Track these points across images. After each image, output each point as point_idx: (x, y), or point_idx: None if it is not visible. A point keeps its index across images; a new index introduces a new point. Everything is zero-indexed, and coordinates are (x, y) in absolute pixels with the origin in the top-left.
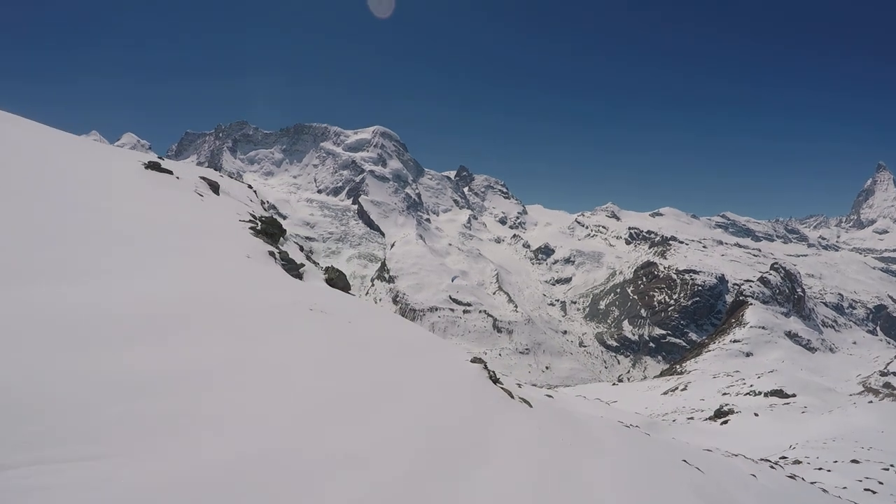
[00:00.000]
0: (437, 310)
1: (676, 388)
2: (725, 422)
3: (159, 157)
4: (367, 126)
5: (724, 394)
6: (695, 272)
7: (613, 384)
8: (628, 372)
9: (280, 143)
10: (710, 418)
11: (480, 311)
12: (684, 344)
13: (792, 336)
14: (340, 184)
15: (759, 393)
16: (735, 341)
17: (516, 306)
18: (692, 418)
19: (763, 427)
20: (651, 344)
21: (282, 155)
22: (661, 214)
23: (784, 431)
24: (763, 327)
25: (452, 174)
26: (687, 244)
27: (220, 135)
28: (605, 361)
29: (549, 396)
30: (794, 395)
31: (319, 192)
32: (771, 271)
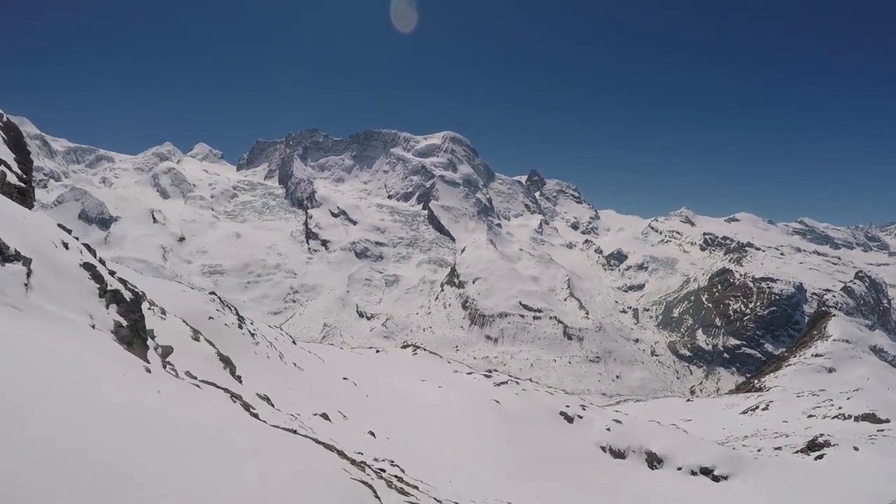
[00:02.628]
0: (506, 315)
1: (757, 408)
2: (820, 456)
3: None
4: (437, 132)
5: (810, 416)
6: (772, 280)
7: (687, 400)
8: (701, 383)
9: (350, 150)
10: (801, 451)
11: (551, 318)
12: (760, 355)
13: (877, 351)
14: (411, 189)
15: (849, 417)
16: (817, 355)
17: (587, 313)
18: (780, 448)
19: (867, 465)
20: (725, 354)
21: (352, 161)
22: (736, 220)
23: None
24: (847, 341)
25: (524, 179)
26: (763, 251)
27: (291, 143)
28: (677, 372)
29: (618, 422)
30: (887, 421)
31: (390, 197)
32: (855, 280)
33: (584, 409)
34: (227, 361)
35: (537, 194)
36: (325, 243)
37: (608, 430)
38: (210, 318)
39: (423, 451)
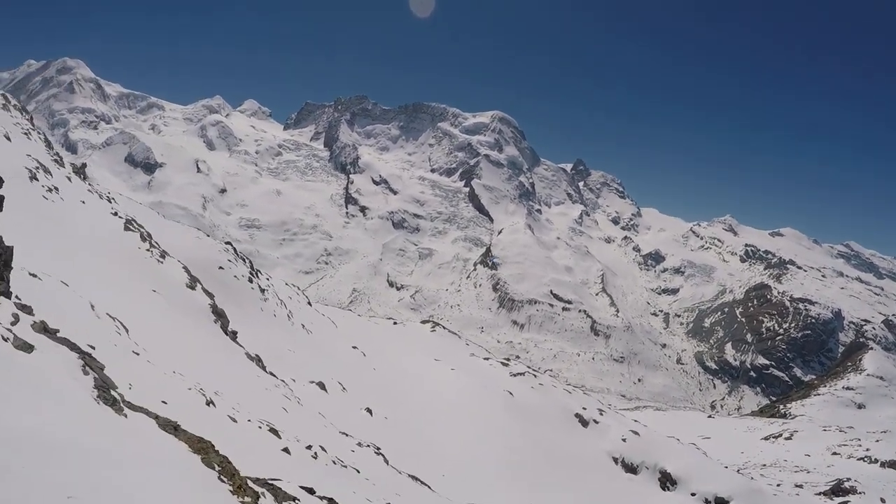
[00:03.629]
0: (536, 303)
1: (779, 436)
2: (845, 503)
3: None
4: (486, 110)
5: (835, 453)
6: (810, 302)
7: (709, 416)
8: (723, 399)
9: (397, 120)
10: (824, 493)
11: (580, 311)
12: (787, 379)
13: None
14: (454, 165)
15: (877, 461)
16: (848, 388)
17: (618, 311)
18: (801, 486)
19: None
20: (752, 373)
21: (398, 132)
22: (780, 235)
23: None
24: (881, 378)
25: (569, 167)
26: (805, 271)
27: (339, 107)
28: (700, 383)
29: (635, 433)
30: None
31: (432, 171)
32: None
33: (601, 413)
34: (220, 315)
35: (581, 184)
36: (363, 209)
37: (624, 440)
38: (220, 267)
39: (420, 436)
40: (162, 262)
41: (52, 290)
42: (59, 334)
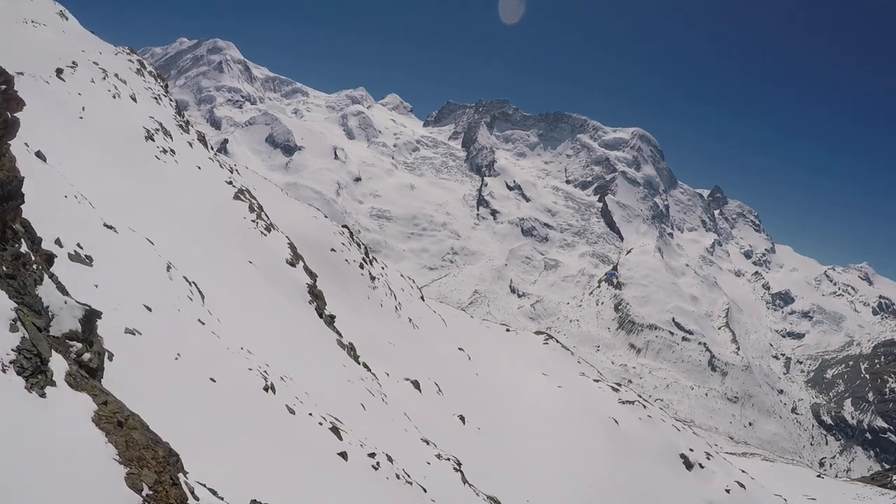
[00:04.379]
0: (656, 328)
1: None
2: None
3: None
4: (626, 126)
5: None
6: None
7: (818, 475)
8: (833, 457)
9: (537, 128)
10: None
11: (700, 343)
12: None
13: None
14: (590, 179)
15: None
16: None
17: (738, 348)
18: None
19: None
20: (868, 434)
21: (537, 139)
22: None
23: None
24: None
25: (706, 193)
26: None
27: (480, 109)
28: (812, 437)
29: (741, 486)
30: None
31: (567, 182)
32: None
33: (708, 457)
34: (317, 296)
35: (716, 212)
36: (494, 213)
37: (727, 491)
38: (332, 249)
39: (511, 454)
40: (266, 235)
41: (126, 245)
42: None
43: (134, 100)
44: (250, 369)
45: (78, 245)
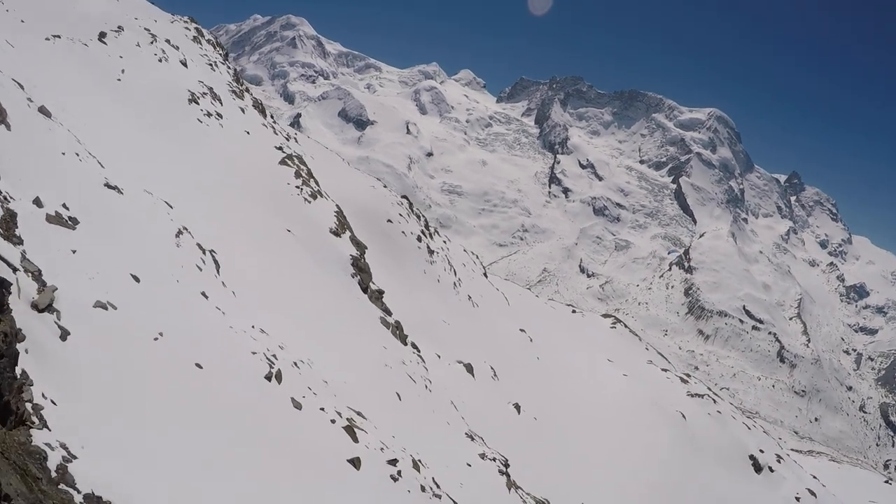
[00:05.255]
0: (726, 315)
1: None
2: None
3: None
4: (703, 107)
5: None
6: None
7: (885, 480)
8: None
9: (611, 106)
10: None
11: (770, 333)
12: None
13: None
14: (664, 159)
15: None
16: None
17: (809, 340)
18: None
19: None
20: None
21: (611, 118)
22: None
23: None
24: None
25: (782, 178)
26: None
27: (554, 86)
28: (878, 437)
29: (812, 494)
30: None
31: (641, 162)
32: None
33: (779, 460)
34: (361, 269)
35: (793, 199)
36: (566, 191)
37: (797, 499)
38: (388, 220)
39: (567, 448)
40: (310, 203)
41: (129, 208)
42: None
43: (184, 65)
44: (254, 353)
45: (63, 205)
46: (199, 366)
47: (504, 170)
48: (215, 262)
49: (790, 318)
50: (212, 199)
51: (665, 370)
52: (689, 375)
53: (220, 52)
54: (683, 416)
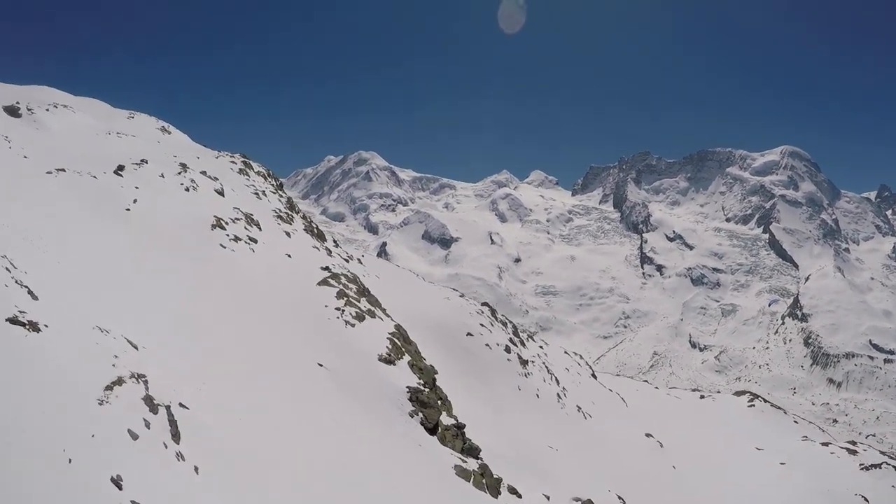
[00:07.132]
0: (853, 356)
1: None
2: None
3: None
4: (773, 147)
5: None
6: None
7: None
8: None
9: (684, 172)
10: None
11: None
12: None
13: None
14: (749, 211)
15: None
16: None
17: None
18: None
19: None
20: None
21: (686, 183)
22: None
23: None
24: None
25: (872, 195)
26: None
27: (624, 167)
28: None
29: None
30: None
31: (727, 220)
32: None
33: None
34: (424, 404)
35: (889, 213)
36: (659, 268)
37: None
38: (468, 334)
39: None
40: (352, 326)
41: (40, 352)
42: None
43: (220, 193)
44: None
45: None
46: None
47: (594, 260)
48: (172, 423)
49: None
50: (211, 332)
51: (826, 444)
52: (855, 443)
53: (272, 182)
54: (866, 500)
